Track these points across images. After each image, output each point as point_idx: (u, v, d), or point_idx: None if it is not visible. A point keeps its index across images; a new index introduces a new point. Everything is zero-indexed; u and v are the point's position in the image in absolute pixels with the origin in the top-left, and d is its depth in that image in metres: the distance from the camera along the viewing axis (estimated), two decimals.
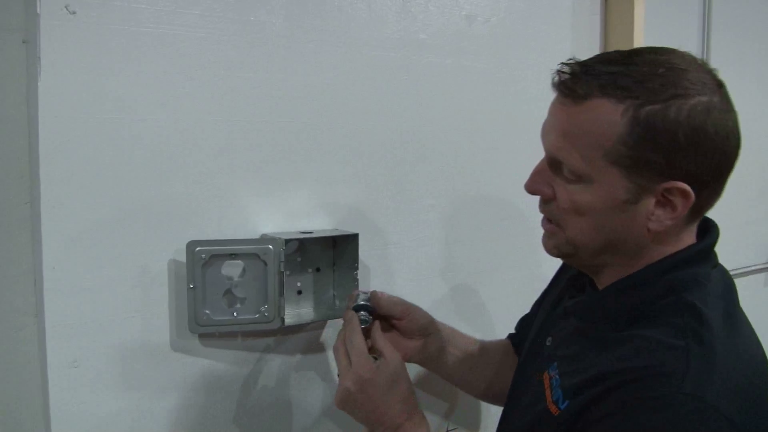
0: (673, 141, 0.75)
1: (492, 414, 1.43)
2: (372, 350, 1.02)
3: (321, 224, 1.18)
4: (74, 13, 0.93)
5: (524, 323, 1.18)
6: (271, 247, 1.06)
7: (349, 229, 1.16)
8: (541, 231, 0.91)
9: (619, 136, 0.77)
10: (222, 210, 1.08)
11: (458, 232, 1.36)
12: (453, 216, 1.35)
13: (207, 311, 1.04)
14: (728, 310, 0.82)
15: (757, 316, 0.88)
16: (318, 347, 1.21)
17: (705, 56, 1.77)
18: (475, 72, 1.35)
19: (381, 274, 1.26)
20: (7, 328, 0.97)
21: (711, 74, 0.80)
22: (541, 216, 0.90)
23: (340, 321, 1.09)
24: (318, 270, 1.19)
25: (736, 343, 0.79)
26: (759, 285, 2.03)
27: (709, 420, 0.70)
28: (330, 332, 1.21)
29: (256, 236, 1.10)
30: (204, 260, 1.03)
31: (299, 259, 1.17)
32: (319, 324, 1.20)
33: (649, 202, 0.79)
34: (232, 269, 1.07)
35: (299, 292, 1.18)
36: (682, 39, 1.80)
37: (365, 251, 1.19)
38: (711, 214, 0.86)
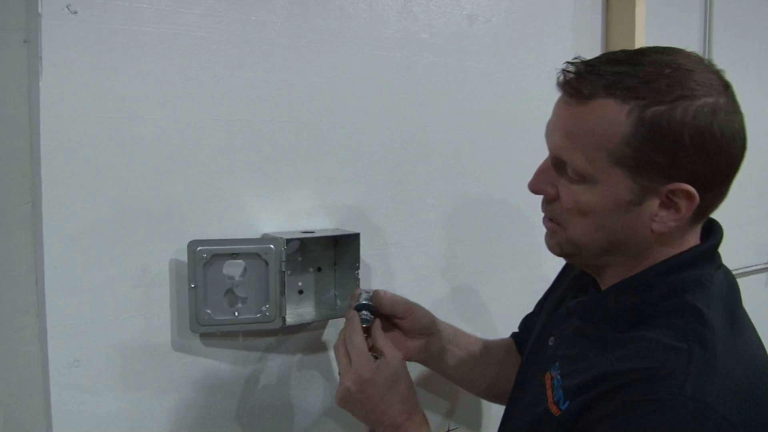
0: (678, 142, 0.75)
1: (493, 413, 1.43)
2: (373, 349, 1.02)
3: (322, 224, 1.18)
4: (75, 12, 0.93)
5: (528, 322, 1.18)
6: (272, 246, 1.06)
7: (350, 229, 1.16)
8: (542, 231, 0.91)
9: (623, 136, 0.76)
10: (223, 209, 1.08)
11: (459, 232, 1.36)
12: (454, 216, 1.35)
13: (208, 311, 1.04)
14: (731, 311, 0.82)
15: (758, 316, 0.88)
16: (319, 347, 1.21)
17: (706, 56, 1.77)
18: (476, 72, 1.35)
19: (382, 273, 1.26)
20: (8, 328, 0.97)
21: (718, 75, 0.79)
22: (542, 214, 0.90)
23: (342, 321, 1.09)
24: (319, 269, 1.19)
25: (738, 344, 0.79)
26: (760, 285, 2.03)
27: (709, 422, 0.69)
28: (331, 332, 1.21)
29: (258, 236, 1.10)
30: (205, 260, 1.03)
31: (300, 258, 1.17)
32: (320, 324, 1.20)
33: (653, 204, 0.79)
34: (234, 269, 1.07)
35: (300, 292, 1.18)
36: (684, 39, 1.80)
37: (366, 251, 1.19)
38: (712, 214, 0.86)
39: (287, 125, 1.12)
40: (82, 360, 0.98)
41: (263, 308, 1.08)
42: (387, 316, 1.08)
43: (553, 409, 0.82)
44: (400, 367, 0.99)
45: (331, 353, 1.19)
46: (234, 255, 1.06)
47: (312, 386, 1.20)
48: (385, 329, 1.06)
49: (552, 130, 0.84)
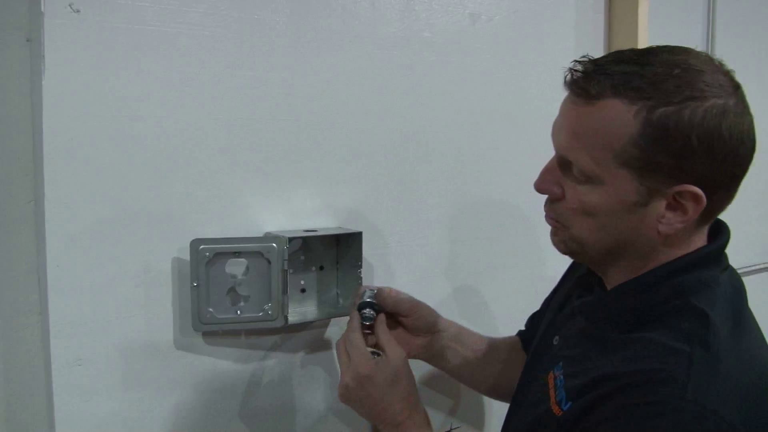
0: (686, 144, 0.74)
1: (495, 412, 1.43)
2: (376, 347, 1.02)
3: (324, 223, 1.18)
4: (78, 11, 0.93)
5: (534, 320, 1.18)
6: (274, 245, 1.06)
7: (353, 228, 1.16)
8: (544, 230, 0.91)
9: (630, 137, 0.75)
10: (225, 208, 1.08)
11: (460, 231, 1.36)
12: (456, 215, 1.35)
13: (210, 309, 1.04)
14: (735, 313, 0.81)
15: (761, 315, 0.88)
16: (321, 345, 1.21)
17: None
18: (478, 71, 1.35)
19: (384, 272, 1.26)
20: (10, 327, 0.97)
21: (728, 76, 0.78)
22: (543, 213, 0.90)
23: (344, 319, 1.09)
24: (321, 268, 1.19)
25: (742, 346, 0.78)
26: (763, 284, 2.03)
27: (710, 425, 0.69)
28: (333, 331, 1.21)
29: (260, 234, 1.11)
30: (208, 258, 1.03)
31: (303, 257, 1.17)
32: (322, 322, 1.20)
33: (660, 205, 0.78)
34: (236, 267, 1.07)
35: (303, 291, 1.18)
36: (687, 38, 1.80)
37: (368, 250, 1.19)
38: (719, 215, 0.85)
39: (289, 124, 1.12)
40: (84, 359, 0.98)
41: (266, 307, 1.08)
42: (391, 313, 1.08)
43: (555, 410, 0.82)
44: (401, 365, 0.99)
45: (334, 352, 1.20)
46: (236, 253, 1.06)
47: (314, 385, 1.20)
48: (389, 327, 1.06)
49: (558, 130, 0.83)
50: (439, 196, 1.32)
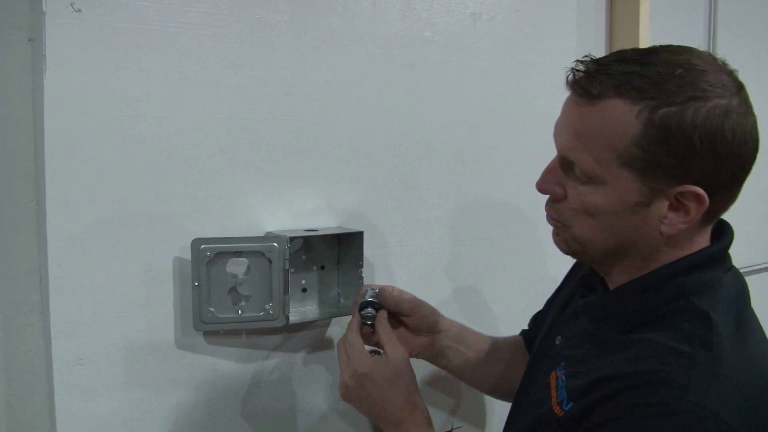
0: (689, 145, 0.74)
1: (497, 412, 1.43)
2: (378, 345, 1.03)
3: (325, 222, 1.18)
4: (79, 11, 0.93)
5: (537, 320, 1.18)
6: (275, 244, 1.06)
7: (354, 227, 1.16)
8: (545, 230, 0.90)
9: (632, 138, 0.75)
10: (226, 208, 1.08)
11: (461, 231, 1.36)
12: (456, 215, 1.35)
13: (212, 309, 1.05)
14: (738, 314, 0.81)
15: (761, 315, 0.88)
16: (322, 345, 1.21)
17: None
18: (479, 70, 1.35)
19: (385, 271, 1.26)
20: (12, 326, 0.97)
21: (731, 76, 0.78)
22: (545, 213, 0.90)
23: (345, 319, 1.09)
24: (323, 268, 1.19)
25: (744, 348, 0.78)
26: (764, 284, 2.03)
27: (710, 427, 0.69)
28: (334, 330, 1.21)
29: (261, 234, 1.10)
30: (209, 258, 1.03)
31: (304, 256, 1.17)
32: (323, 322, 1.20)
33: (662, 205, 0.78)
34: (237, 267, 1.07)
35: (304, 290, 1.18)
36: (688, 37, 1.80)
37: (369, 249, 1.19)
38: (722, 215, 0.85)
39: (291, 124, 1.12)
40: (85, 358, 0.98)
41: (267, 306, 1.08)
42: (392, 313, 1.08)
43: (557, 410, 0.82)
44: (401, 363, 0.99)
45: (335, 352, 1.20)
46: (237, 253, 1.06)
47: (315, 384, 1.20)
48: (391, 326, 1.06)
49: (560, 130, 0.83)
50: (439, 195, 1.32)
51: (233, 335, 1.11)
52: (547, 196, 0.87)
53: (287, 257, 1.07)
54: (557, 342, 0.94)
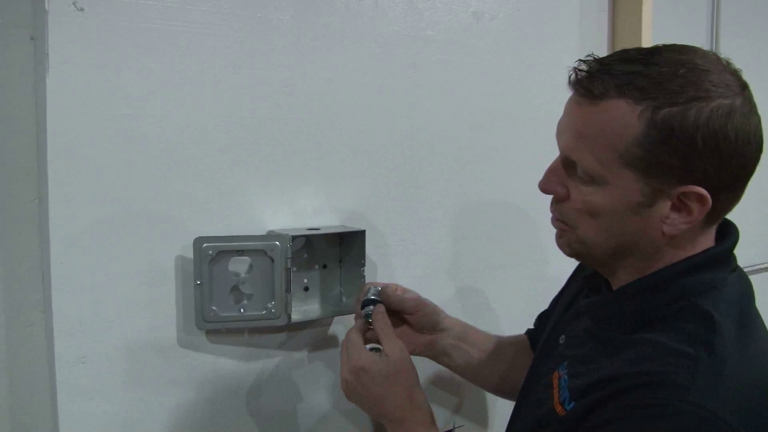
0: (691, 145, 0.73)
1: (499, 411, 1.43)
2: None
3: (328, 221, 1.18)
4: (82, 9, 0.93)
5: (542, 319, 1.17)
6: (278, 243, 1.06)
7: (356, 226, 1.16)
8: (548, 229, 0.90)
9: (634, 138, 0.75)
10: (229, 206, 1.08)
11: (463, 230, 1.36)
12: (458, 214, 1.35)
13: (214, 307, 1.05)
14: (742, 315, 0.80)
15: (764, 315, 0.88)
16: (324, 344, 1.21)
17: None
18: (481, 69, 1.35)
19: (387, 271, 1.26)
20: (15, 324, 0.97)
21: (735, 75, 0.77)
22: (548, 213, 0.90)
23: (347, 317, 1.09)
24: (325, 267, 1.19)
25: (748, 350, 0.77)
26: (764, 284, 2.02)
27: (711, 428, 0.69)
28: (336, 329, 1.21)
29: (263, 233, 1.11)
30: (211, 256, 1.03)
31: (306, 255, 1.17)
32: (325, 321, 1.20)
33: (665, 206, 0.77)
34: (239, 265, 1.07)
35: (306, 289, 1.18)
36: (691, 36, 1.80)
37: (371, 248, 1.19)
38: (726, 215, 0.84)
39: (293, 123, 1.12)
40: (87, 357, 0.98)
41: (269, 305, 1.08)
42: (395, 311, 1.08)
43: (559, 409, 0.82)
44: (400, 359, 0.99)
45: (337, 350, 1.20)
46: (240, 252, 1.06)
47: (317, 383, 1.20)
48: (394, 324, 1.06)
49: (562, 130, 0.83)
50: (441, 195, 1.32)
51: (235, 334, 1.11)
52: (551, 198, 0.87)
53: (289, 256, 1.07)
54: (561, 341, 0.94)
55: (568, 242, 0.87)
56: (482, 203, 1.38)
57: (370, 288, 1.08)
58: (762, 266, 2.01)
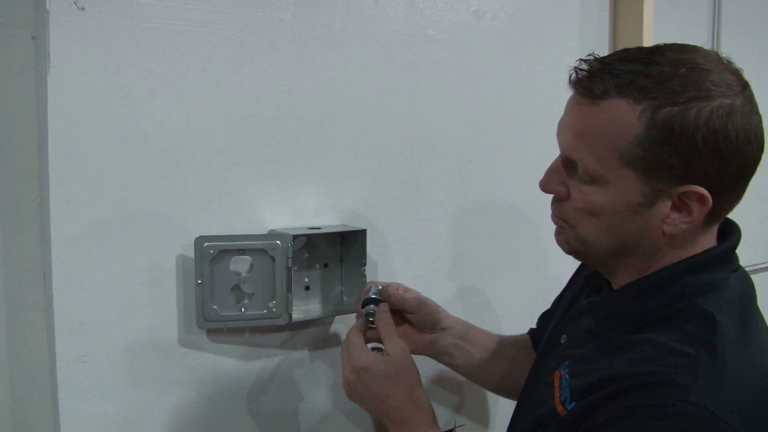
0: (691, 145, 0.73)
1: (500, 410, 1.43)
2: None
3: (329, 220, 1.18)
4: (83, 9, 0.93)
5: (544, 319, 1.17)
6: (278, 242, 1.06)
7: (357, 225, 1.16)
8: (549, 229, 0.90)
9: (635, 137, 0.75)
10: (230, 206, 1.08)
11: (464, 230, 1.36)
12: (459, 213, 1.35)
13: (215, 307, 1.05)
14: (744, 316, 0.80)
15: (765, 315, 0.88)
16: (325, 343, 1.21)
17: None
18: (482, 68, 1.35)
19: (388, 270, 1.26)
20: (16, 324, 0.97)
21: (736, 75, 0.77)
22: (549, 212, 0.90)
23: (348, 317, 1.09)
24: (326, 266, 1.19)
25: (749, 350, 0.77)
26: (765, 284, 2.02)
27: (712, 429, 0.68)
28: (337, 328, 1.21)
29: (264, 232, 1.11)
30: (212, 256, 1.03)
31: (307, 254, 1.17)
32: (326, 320, 1.20)
33: (665, 206, 0.77)
34: (240, 265, 1.07)
35: (307, 288, 1.18)
36: (692, 36, 1.80)
37: (372, 247, 1.19)
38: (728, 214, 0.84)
39: (294, 122, 1.12)
40: (88, 356, 0.98)
41: (270, 304, 1.08)
42: (396, 310, 1.08)
43: (559, 409, 0.82)
44: (401, 358, 0.99)
45: (337, 349, 1.20)
46: (241, 251, 1.06)
47: (318, 382, 1.20)
48: (395, 323, 1.06)
49: (563, 130, 0.83)
50: (442, 194, 1.31)
51: (236, 333, 1.11)
52: (552, 197, 0.87)
53: (290, 255, 1.07)
54: (562, 341, 0.94)
55: (567, 240, 0.87)
56: (483, 203, 1.38)
57: (371, 287, 1.08)
58: (762, 266, 2.01)
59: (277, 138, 1.11)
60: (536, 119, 1.40)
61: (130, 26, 0.97)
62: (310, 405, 1.20)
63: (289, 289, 1.08)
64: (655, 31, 1.53)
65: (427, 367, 1.25)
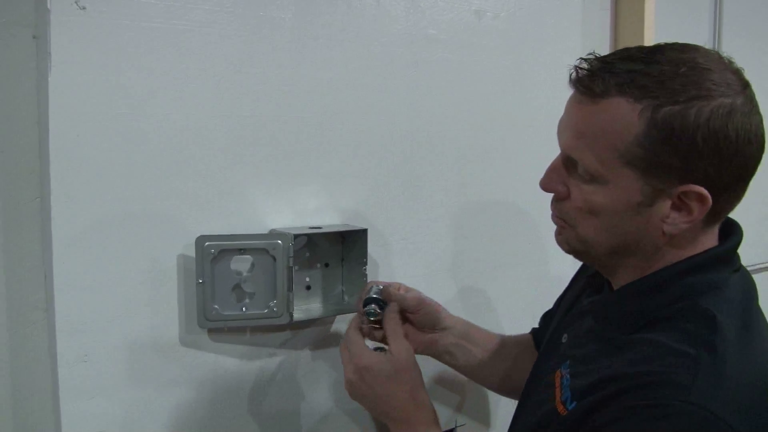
0: (691, 144, 0.73)
1: (501, 410, 1.43)
2: (384, 341, 1.04)
3: (330, 220, 1.18)
4: (84, 8, 0.93)
5: (546, 318, 1.17)
6: (279, 242, 1.06)
7: (358, 225, 1.16)
8: (550, 229, 0.90)
9: (635, 137, 0.75)
10: (231, 205, 1.08)
11: (465, 229, 1.36)
12: (460, 213, 1.35)
13: (216, 306, 1.05)
14: (746, 315, 0.80)
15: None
16: (326, 342, 1.21)
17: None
18: (484, 67, 1.35)
19: (388, 269, 1.26)
20: (17, 324, 0.97)
21: (737, 74, 0.77)
22: (549, 212, 0.89)
23: (350, 316, 1.09)
24: (327, 265, 1.19)
25: (750, 350, 0.77)
26: (766, 284, 2.02)
27: (712, 430, 0.68)
28: (338, 327, 1.21)
29: (265, 231, 1.11)
30: (213, 255, 1.03)
31: (308, 254, 1.17)
32: (327, 319, 1.20)
33: (665, 205, 0.77)
34: (241, 264, 1.07)
35: (308, 288, 1.18)
36: (693, 35, 1.79)
37: (373, 247, 1.19)
38: (729, 214, 0.84)
39: (294, 121, 1.12)
40: (89, 355, 0.98)
41: (271, 304, 1.08)
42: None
43: (560, 409, 0.81)
44: (405, 359, 0.99)
45: (338, 349, 1.20)
46: (242, 250, 1.06)
47: (319, 382, 1.20)
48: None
49: (563, 129, 0.83)
50: (443, 193, 1.31)
51: (237, 332, 1.11)
52: (552, 196, 0.87)
53: (291, 254, 1.07)
54: (563, 340, 0.94)
55: (566, 240, 0.87)
56: (483, 202, 1.38)
57: (372, 287, 1.08)
58: (762, 266, 2.01)
59: (277, 137, 1.11)
60: (537, 119, 1.40)
61: (131, 26, 0.97)
62: (311, 404, 1.20)
63: (290, 289, 1.08)
64: (656, 30, 1.53)
65: (428, 366, 1.25)
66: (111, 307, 0.99)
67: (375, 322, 1.06)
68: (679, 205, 0.77)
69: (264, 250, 1.06)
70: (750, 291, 0.85)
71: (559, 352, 0.93)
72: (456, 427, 1.39)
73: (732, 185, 0.77)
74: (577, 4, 1.50)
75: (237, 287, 1.07)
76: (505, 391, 1.21)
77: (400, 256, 1.27)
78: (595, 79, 0.77)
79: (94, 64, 0.95)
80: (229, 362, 1.10)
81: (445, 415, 1.37)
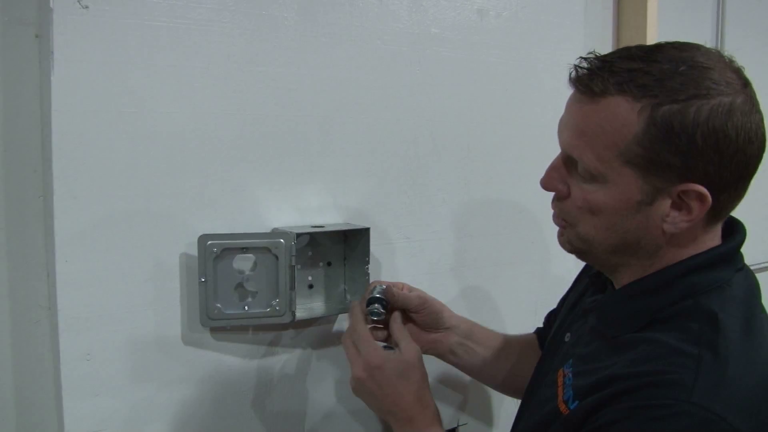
0: (691, 143, 0.73)
1: (504, 409, 1.43)
2: (388, 340, 1.04)
3: (332, 218, 1.18)
4: (87, 7, 0.93)
5: (550, 318, 1.17)
6: (282, 241, 1.06)
7: (361, 224, 1.16)
8: (553, 227, 0.90)
9: (634, 136, 0.75)
10: (233, 204, 1.08)
11: (469, 228, 1.36)
12: (464, 211, 1.34)
13: (218, 305, 1.05)
14: (748, 315, 0.79)
15: None
16: (329, 341, 1.21)
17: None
18: (487, 66, 1.35)
19: (391, 268, 1.26)
20: (20, 322, 0.97)
21: (737, 73, 0.77)
22: (551, 211, 0.89)
23: None
24: (329, 264, 1.19)
25: (753, 350, 0.76)
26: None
27: (714, 430, 0.68)
28: (341, 326, 1.21)
29: (268, 230, 1.11)
30: (216, 254, 1.03)
31: (310, 253, 1.17)
32: (330, 318, 1.20)
33: (665, 204, 0.77)
34: (244, 263, 1.07)
35: (310, 286, 1.18)
36: (696, 34, 1.79)
37: (375, 246, 1.19)
38: (731, 213, 0.83)
39: (298, 120, 1.12)
40: (93, 354, 0.98)
41: (273, 302, 1.08)
42: (401, 309, 1.08)
43: (563, 408, 0.81)
44: (415, 360, 0.99)
45: (341, 348, 1.20)
46: (244, 249, 1.06)
47: (322, 380, 1.20)
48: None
49: (563, 128, 0.83)
50: (446, 192, 1.31)
51: (240, 331, 1.11)
52: (552, 195, 0.87)
53: (294, 253, 1.07)
54: (566, 339, 0.94)
55: (568, 239, 0.87)
56: (487, 201, 1.38)
57: (375, 286, 1.08)
58: (765, 265, 2.01)
59: (280, 136, 1.11)
60: (540, 117, 1.40)
61: (134, 24, 0.97)
62: (313, 403, 1.20)
63: (292, 288, 1.08)
64: (658, 29, 1.53)
65: (431, 366, 1.25)
66: (114, 305, 0.99)
67: (378, 321, 1.06)
68: (679, 203, 0.77)
69: (266, 249, 1.06)
70: (753, 290, 0.85)
71: (563, 351, 0.93)
72: (458, 426, 1.39)
73: (732, 184, 0.77)
74: (580, 3, 1.50)
75: (239, 286, 1.07)
76: (508, 391, 1.21)
77: (402, 255, 1.27)
78: (595, 78, 0.77)
79: (97, 63, 0.95)
80: (231, 361, 1.11)
81: (447, 414, 1.37)
